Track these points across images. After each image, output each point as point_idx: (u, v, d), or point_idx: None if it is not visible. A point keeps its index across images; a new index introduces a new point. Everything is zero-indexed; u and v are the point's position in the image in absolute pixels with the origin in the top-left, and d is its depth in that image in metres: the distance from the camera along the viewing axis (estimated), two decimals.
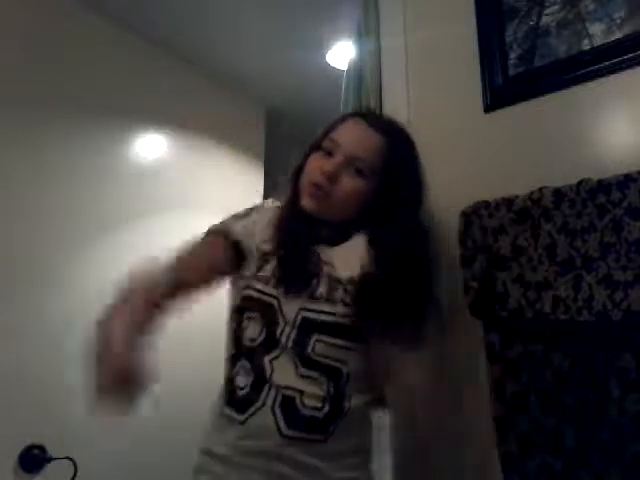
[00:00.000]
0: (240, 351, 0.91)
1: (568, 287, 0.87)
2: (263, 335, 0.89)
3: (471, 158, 1.15)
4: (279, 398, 0.84)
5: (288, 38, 2.15)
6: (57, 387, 1.60)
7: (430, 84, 1.26)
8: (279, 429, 0.83)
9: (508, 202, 0.97)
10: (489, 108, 1.14)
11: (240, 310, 0.93)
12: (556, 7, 1.08)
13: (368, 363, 0.91)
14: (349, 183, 0.93)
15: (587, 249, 0.86)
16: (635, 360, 0.81)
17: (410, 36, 1.30)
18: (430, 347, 0.97)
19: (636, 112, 0.96)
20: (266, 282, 0.91)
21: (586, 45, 1.03)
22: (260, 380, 0.86)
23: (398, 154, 0.97)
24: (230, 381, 0.91)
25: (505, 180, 1.06)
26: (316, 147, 0.98)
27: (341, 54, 2.23)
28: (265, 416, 0.84)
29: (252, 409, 0.85)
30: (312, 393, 0.85)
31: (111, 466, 1.69)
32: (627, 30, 0.98)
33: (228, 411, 0.89)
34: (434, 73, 1.26)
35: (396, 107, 1.30)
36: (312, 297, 0.89)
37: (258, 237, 0.96)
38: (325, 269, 0.92)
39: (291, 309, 0.89)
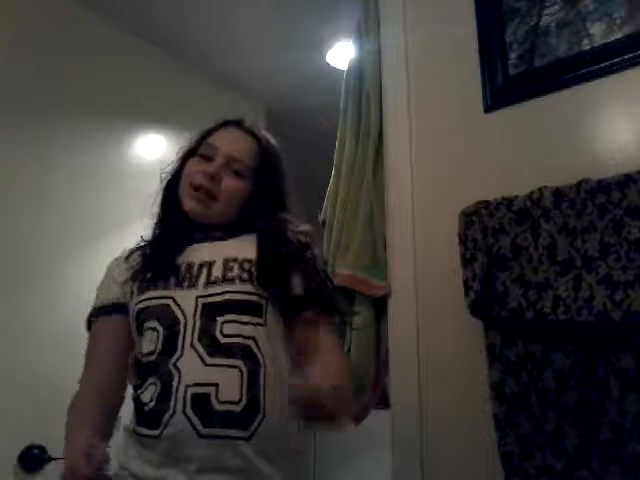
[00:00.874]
0: (142, 370, 0.88)
1: (568, 287, 0.87)
2: (161, 342, 0.85)
3: (471, 158, 1.15)
4: (189, 399, 0.79)
5: (288, 38, 2.15)
6: (57, 387, 1.60)
7: (430, 84, 1.26)
8: (196, 430, 0.78)
9: (508, 202, 0.97)
10: (489, 108, 1.14)
11: (138, 327, 0.91)
12: (556, 7, 1.08)
13: (276, 344, 0.89)
14: (230, 183, 0.97)
15: (587, 249, 0.86)
16: (635, 360, 0.81)
17: (410, 36, 1.31)
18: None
19: (636, 112, 0.96)
20: (154, 287, 0.90)
21: (586, 45, 1.03)
22: (166, 388, 0.81)
23: (269, 157, 1.03)
24: (136, 401, 0.86)
25: (505, 180, 1.06)
26: (191, 153, 1.02)
27: (341, 54, 2.23)
28: (178, 422, 0.78)
29: (164, 420, 0.79)
30: (228, 383, 0.80)
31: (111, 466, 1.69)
32: (627, 30, 0.98)
33: (141, 430, 0.83)
34: (434, 73, 1.26)
35: (396, 107, 1.30)
36: (208, 282, 0.89)
37: (121, 278, 0.97)
38: (213, 256, 0.92)
39: (188, 301, 0.87)
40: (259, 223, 0.98)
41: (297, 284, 0.93)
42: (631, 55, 0.96)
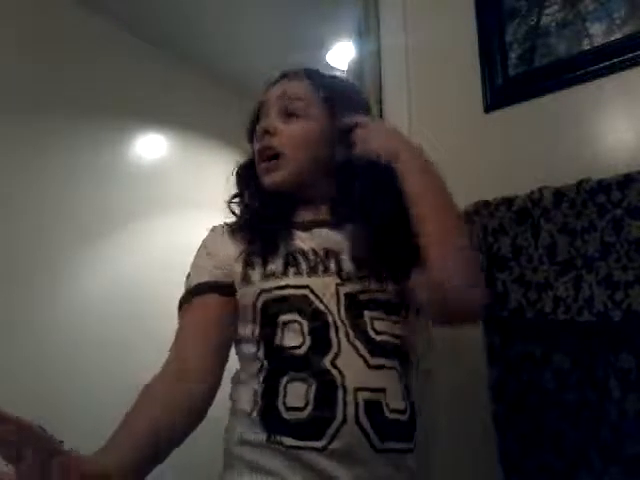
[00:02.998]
0: (281, 365, 0.73)
1: (568, 287, 0.87)
2: (309, 337, 0.72)
3: (471, 158, 1.15)
4: (361, 405, 0.68)
5: (288, 38, 2.16)
6: (57, 387, 1.60)
7: (430, 84, 1.26)
8: (372, 445, 0.67)
9: (508, 202, 0.97)
10: (489, 108, 1.14)
11: (266, 320, 0.76)
12: (556, 7, 1.07)
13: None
14: (291, 129, 0.82)
15: (587, 249, 0.86)
16: (635, 360, 0.81)
17: (410, 36, 1.30)
18: None
19: (636, 112, 0.96)
20: (283, 274, 0.76)
21: (586, 45, 1.03)
22: (328, 390, 0.68)
23: (326, 82, 0.87)
24: (270, 405, 0.71)
25: (505, 180, 1.06)
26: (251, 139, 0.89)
27: (341, 54, 2.23)
28: (351, 433, 0.67)
29: (331, 430, 0.67)
30: (393, 388, 0.71)
31: None
32: (627, 30, 0.98)
33: (286, 440, 0.68)
34: (434, 73, 1.26)
35: (396, 107, 1.30)
36: (341, 272, 0.76)
37: (226, 255, 0.81)
38: (336, 245, 0.79)
39: (328, 290, 0.75)
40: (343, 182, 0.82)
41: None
42: (631, 55, 0.96)
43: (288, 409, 0.69)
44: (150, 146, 2.12)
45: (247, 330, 0.78)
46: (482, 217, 0.99)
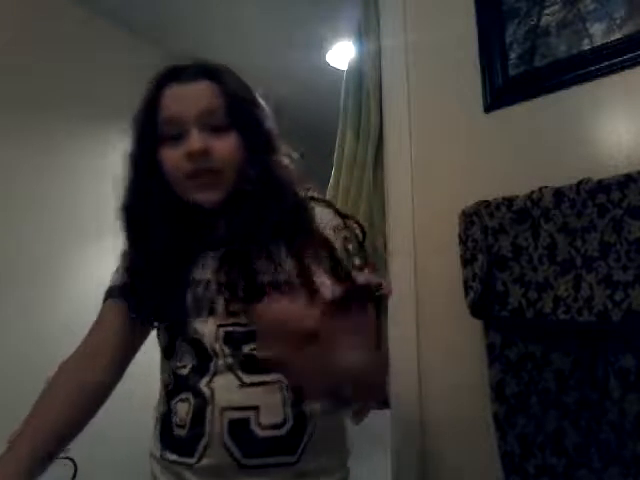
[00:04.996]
0: (175, 383, 0.77)
1: (568, 287, 0.87)
2: (193, 356, 0.75)
3: (471, 158, 1.15)
4: (225, 424, 0.70)
5: (288, 38, 2.15)
6: None
7: (430, 84, 1.26)
8: (236, 461, 0.70)
9: (508, 202, 0.97)
10: (489, 108, 1.14)
11: (170, 338, 0.79)
12: (556, 7, 1.07)
13: None
14: (224, 146, 0.75)
15: (587, 249, 0.86)
16: (635, 360, 0.81)
17: (410, 36, 1.30)
18: None
19: (636, 112, 0.96)
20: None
21: (586, 45, 1.03)
22: (200, 410, 0.72)
23: (234, 88, 0.79)
24: (165, 420, 0.77)
25: (505, 180, 1.06)
26: (152, 144, 0.78)
27: (341, 54, 2.23)
28: (217, 451, 0.70)
29: (200, 447, 0.71)
30: (269, 405, 0.71)
31: (111, 466, 1.69)
32: (627, 30, 0.98)
33: (170, 456, 0.75)
34: (434, 73, 1.26)
35: (396, 107, 1.30)
36: (229, 312, 0.75)
37: None
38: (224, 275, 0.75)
39: (210, 332, 0.75)
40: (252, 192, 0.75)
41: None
42: (631, 55, 0.96)
43: (177, 426, 0.74)
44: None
45: (162, 342, 0.82)
46: (482, 217, 0.99)
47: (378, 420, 1.30)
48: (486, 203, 1.00)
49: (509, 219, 0.96)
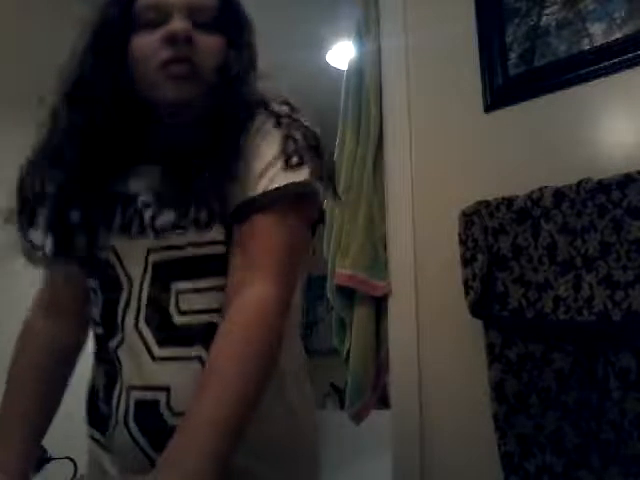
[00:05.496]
0: (96, 348, 0.67)
1: (568, 287, 0.87)
2: (100, 313, 0.64)
3: (471, 158, 1.15)
4: (131, 406, 0.59)
5: (288, 38, 2.15)
6: None
7: (430, 84, 1.26)
8: (146, 455, 0.58)
9: (508, 202, 0.97)
10: (489, 108, 1.14)
11: (84, 286, 0.68)
12: (556, 7, 1.07)
13: None
14: (207, 41, 0.65)
15: (587, 249, 0.86)
16: (635, 360, 0.81)
17: (410, 36, 1.30)
18: None
19: (636, 112, 0.96)
20: (86, 229, 0.63)
21: (586, 45, 1.03)
22: (110, 383, 0.62)
23: None
24: (90, 391, 0.67)
25: (505, 180, 1.06)
26: (120, 31, 0.65)
27: (341, 54, 2.23)
28: (122, 437, 0.59)
29: (110, 428, 0.60)
30: (185, 384, 0.57)
31: None
32: (627, 30, 0.98)
33: (91, 432, 0.66)
34: (434, 73, 1.26)
35: (396, 107, 1.30)
36: (161, 228, 0.61)
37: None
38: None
39: (135, 256, 0.63)
40: (228, 108, 0.64)
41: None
42: (631, 55, 0.96)
43: (98, 398, 0.64)
44: None
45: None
46: (482, 217, 0.99)
47: (378, 420, 1.30)
48: (486, 203, 1.00)
49: (509, 219, 0.96)
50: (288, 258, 0.60)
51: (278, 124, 0.65)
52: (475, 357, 1.01)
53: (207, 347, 0.56)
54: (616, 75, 0.98)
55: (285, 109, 0.68)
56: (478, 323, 1.00)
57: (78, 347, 0.73)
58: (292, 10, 2.01)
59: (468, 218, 1.01)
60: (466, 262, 1.00)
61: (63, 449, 1.57)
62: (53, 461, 1.53)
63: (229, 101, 0.65)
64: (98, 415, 0.63)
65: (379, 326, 1.26)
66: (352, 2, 1.51)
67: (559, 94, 1.05)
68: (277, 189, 0.59)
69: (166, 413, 0.58)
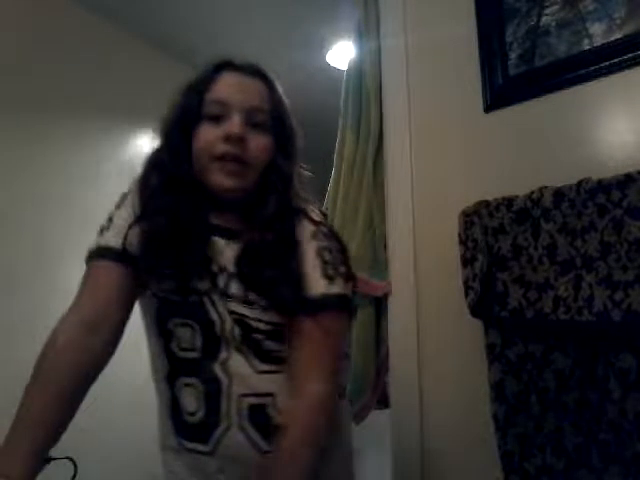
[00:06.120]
0: (176, 366, 0.76)
1: (568, 287, 0.87)
2: (201, 339, 0.74)
3: (471, 158, 1.15)
4: (244, 411, 0.71)
5: (288, 38, 2.15)
6: None
7: (430, 84, 1.26)
8: (258, 448, 0.71)
9: (508, 202, 0.97)
10: (489, 108, 1.14)
11: (161, 318, 0.77)
12: (556, 7, 1.07)
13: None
14: (260, 142, 0.79)
15: (587, 249, 0.86)
16: (635, 360, 0.81)
17: (410, 36, 1.30)
18: None
19: (636, 112, 0.96)
20: (182, 280, 0.74)
21: (586, 45, 1.03)
22: (214, 396, 0.72)
23: (280, 98, 0.85)
24: (172, 406, 0.75)
25: (505, 180, 1.06)
26: (192, 118, 0.80)
27: (341, 54, 2.23)
28: (236, 437, 0.71)
29: (217, 434, 0.71)
30: (284, 392, 0.73)
31: (111, 466, 1.69)
32: (627, 30, 0.98)
33: (183, 442, 0.74)
34: (434, 73, 1.26)
35: (396, 107, 1.30)
36: (233, 295, 0.75)
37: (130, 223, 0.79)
38: (234, 266, 0.76)
39: (222, 306, 0.75)
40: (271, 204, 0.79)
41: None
42: (631, 55, 0.96)
43: (186, 413, 0.73)
44: (150, 146, 2.12)
45: (147, 320, 0.80)
46: (482, 217, 0.99)
47: (378, 420, 1.30)
48: (486, 203, 1.00)
49: (509, 219, 0.96)
50: (339, 360, 0.79)
51: (322, 234, 0.81)
52: (475, 357, 1.01)
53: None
54: (616, 75, 0.98)
55: (321, 217, 0.84)
56: (478, 323, 1.00)
57: (104, 365, 0.76)
58: (292, 10, 2.01)
59: (468, 218, 1.01)
60: (466, 262, 1.00)
61: (63, 449, 1.57)
62: (53, 461, 1.53)
63: (278, 202, 0.80)
64: (190, 427, 0.73)
65: (379, 326, 1.26)
66: (352, 2, 1.51)
67: (559, 94, 1.05)
68: (337, 295, 0.76)
69: (272, 413, 0.72)
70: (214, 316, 0.74)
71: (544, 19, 1.09)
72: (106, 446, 1.68)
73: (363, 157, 1.32)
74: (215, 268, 0.76)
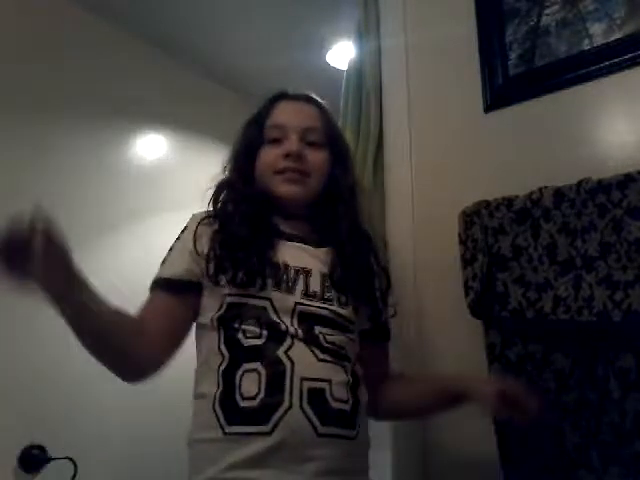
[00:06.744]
0: (239, 355, 0.80)
1: (568, 287, 0.87)
2: (266, 330, 0.81)
3: (471, 158, 1.15)
4: (305, 393, 0.76)
5: (288, 38, 2.15)
6: (57, 387, 1.60)
7: (430, 84, 1.26)
8: (314, 428, 0.75)
9: (508, 202, 0.97)
10: (489, 108, 1.14)
11: (228, 319, 0.83)
12: (556, 7, 1.08)
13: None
14: (316, 156, 0.92)
15: (587, 249, 0.86)
16: (635, 360, 0.81)
17: (410, 36, 1.30)
18: None
19: (636, 112, 0.96)
20: (250, 285, 0.83)
21: (586, 45, 1.03)
22: (278, 378, 0.77)
23: (332, 118, 1.01)
24: (224, 396, 0.78)
25: (505, 180, 1.06)
26: (256, 144, 0.94)
27: (341, 54, 2.23)
28: (296, 417, 0.75)
29: (277, 415, 0.74)
30: (340, 381, 0.80)
31: (111, 466, 1.69)
32: (627, 30, 0.98)
33: (238, 429, 0.76)
34: (434, 73, 1.26)
35: (396, 107, 1.30)
36: (307, 294, 0.85)
37: (202, 247, 0.88)
38: (308, 264, 0.88)
39: (287, 305, 0.83)
40: (341, 213, 0.93)
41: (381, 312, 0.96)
42: (631, 55, 0.96)
43: (244, 399, 0.76)
44: (150, 146, 2.12)
45: (208, 320, 0.85)
46: (482, 217, 0.99)
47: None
48: (486, 203, 1.00)
49: (509, 219, 0.96)
50: None
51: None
52: (475, 357, 1.01)
53: (346, 364, 0.84)
54: (616, 75, 0.98)
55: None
56: (478, 323, 1.00)
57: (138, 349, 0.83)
58: (292, 10, 2.01)
59: (468, 218, 1.01)
60: (466, 262, 1.00)
61: (63, 449, 1.57)
62: (53, 461, 1.53)
63: (348, 210, 0.94)
64: (247, 412, 0.76)
65: None
66: (352, 2, 1.52)
67: (559, 94, 1.05)
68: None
69: (330, 398, 0.78)
70: (274, 317, 0.82)
71: (544, 19, 1.09)
72: (106, 446, 1.68)
73: (363, 157, 1.32)
74: (285, 269, 0.86)
